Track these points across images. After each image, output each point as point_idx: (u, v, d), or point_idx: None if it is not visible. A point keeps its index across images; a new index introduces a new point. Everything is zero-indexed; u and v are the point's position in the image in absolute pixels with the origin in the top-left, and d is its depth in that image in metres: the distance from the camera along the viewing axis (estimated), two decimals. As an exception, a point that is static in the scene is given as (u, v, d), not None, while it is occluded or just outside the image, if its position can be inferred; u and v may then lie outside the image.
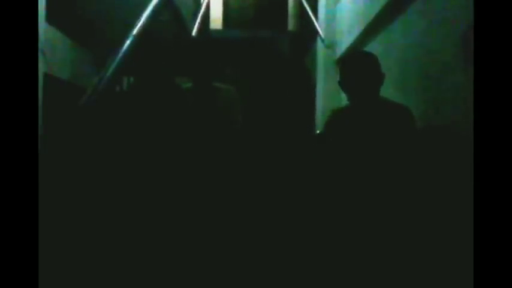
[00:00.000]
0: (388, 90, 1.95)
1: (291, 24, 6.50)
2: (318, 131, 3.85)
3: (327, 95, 3.78)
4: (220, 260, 1.90)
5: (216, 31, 6.14)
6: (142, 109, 2.40)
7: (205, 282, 1.82)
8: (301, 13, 5.39)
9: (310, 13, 4.05)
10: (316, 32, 3.93)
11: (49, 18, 2.29)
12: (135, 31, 2.17)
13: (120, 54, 2.09)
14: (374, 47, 2.68)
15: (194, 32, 4.25)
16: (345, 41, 3.40)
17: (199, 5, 4.78)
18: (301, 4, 4.43)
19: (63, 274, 1.68)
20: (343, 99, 3.63)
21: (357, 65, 1.88)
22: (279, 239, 2.01)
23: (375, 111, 1.85)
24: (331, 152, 1.94)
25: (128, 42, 2.10)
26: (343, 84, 1.90)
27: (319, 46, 4.03)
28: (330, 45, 3.83)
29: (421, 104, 1.94)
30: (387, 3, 2.39)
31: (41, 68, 2.10)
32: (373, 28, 2.74)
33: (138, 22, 2.25)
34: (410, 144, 1.76)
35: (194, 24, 4.21)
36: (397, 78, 2.21)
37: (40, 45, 2.02)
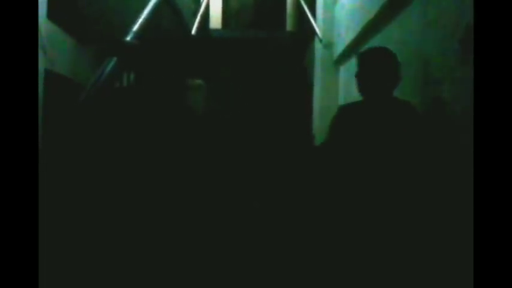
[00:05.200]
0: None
1: (289, 24, 6.51)
2: (314, 132, 3.86)
3: (325, 94, 3.79)
4: (221, 255, 1.90)
5: (215, 31, 6.15)
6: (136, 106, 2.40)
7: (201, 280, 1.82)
8: (300, 13, 5.40)
9: (309, 13, 4.06)
10: (314, 31, 3.95)
11: (50, 15, 2.29)
12: (135, 28, 2.18)
13: (119, 51, 2.10)
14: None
15: (194, 31, 4.26)
16: (343, 41, 3.42)
17: (199, 5, 4.79)
18: (300, 4, 4.44)
19: (62, 270, 1.69)
20: (341, 99, 3.64)
21: (378, 60, 1.88)
22: (276, 238, 2.01)
23: (388, 108, 1.85)
24: (340, 149, 1.92)
25: (127, 38, 2.11)
26: (361, 78, 1.90)
27: (317, 46, 4.04)
28: (328, 45, 3.85)
29: (418, 104, 1.94)
30: (385, 3, 2.40)
31: (42, 64, 2.10)
32: (371, 28, 2.75)
33: (138, 19, 2.25)
34: (416, 142, 1.76)
35: (194, 23, 4.22)
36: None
37: (41, 42, 2.03)
